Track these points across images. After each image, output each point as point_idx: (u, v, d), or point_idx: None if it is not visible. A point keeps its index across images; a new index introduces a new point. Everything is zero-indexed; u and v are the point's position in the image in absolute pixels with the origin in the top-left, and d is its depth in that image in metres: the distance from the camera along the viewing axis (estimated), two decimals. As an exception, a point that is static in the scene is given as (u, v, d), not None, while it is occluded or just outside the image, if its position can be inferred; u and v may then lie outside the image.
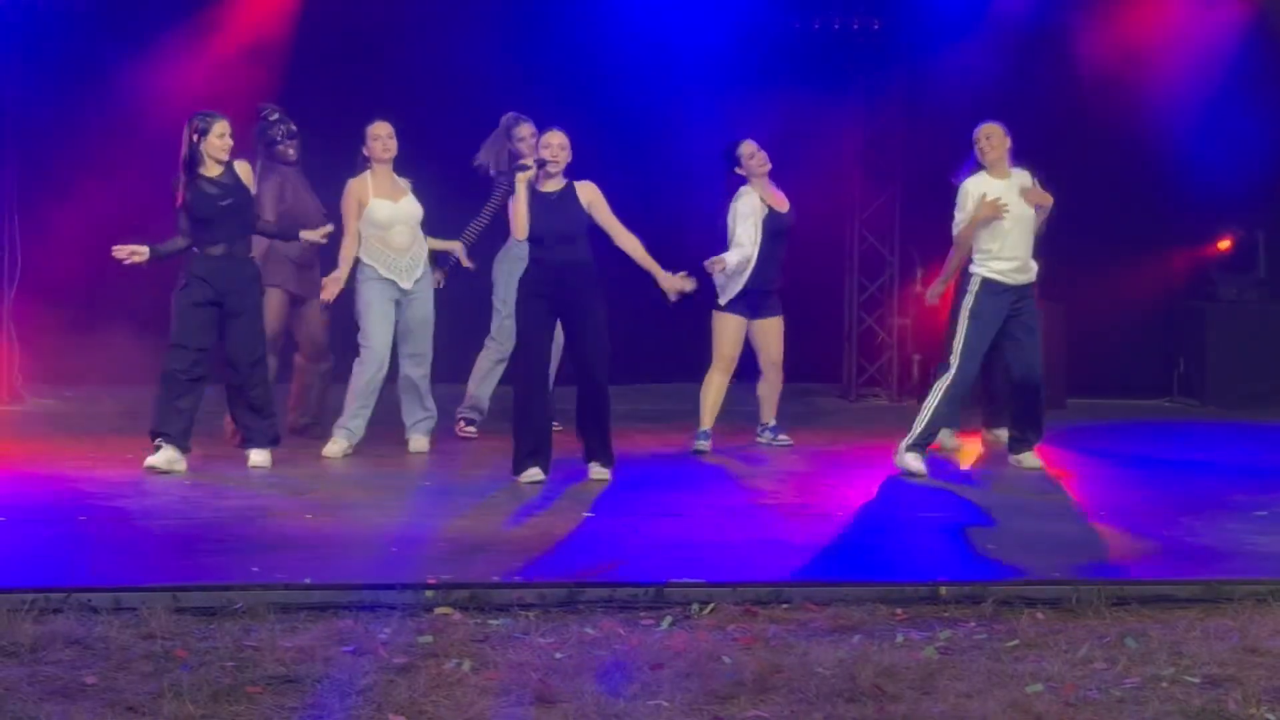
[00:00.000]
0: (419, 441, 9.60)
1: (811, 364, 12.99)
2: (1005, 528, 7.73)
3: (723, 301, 9.93)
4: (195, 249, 8.78)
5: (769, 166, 10.03)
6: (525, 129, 9.92)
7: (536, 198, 8.65)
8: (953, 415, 9.45)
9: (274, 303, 9.80)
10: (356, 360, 9.51)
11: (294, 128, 9.85)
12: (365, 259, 9.43)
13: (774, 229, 10.00)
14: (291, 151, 9.83)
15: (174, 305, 8.81)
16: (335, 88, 11.58)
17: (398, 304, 9.52)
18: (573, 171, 8.82)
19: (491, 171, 10.07)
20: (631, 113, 11.93)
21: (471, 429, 10.17)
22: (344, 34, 11.88)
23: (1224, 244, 13.03)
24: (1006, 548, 7.16)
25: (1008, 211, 9.15)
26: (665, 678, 5.18)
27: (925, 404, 9.19)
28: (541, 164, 8.65)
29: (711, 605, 6.01)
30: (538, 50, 12.14)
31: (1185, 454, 10.14)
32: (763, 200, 9.96)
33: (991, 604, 6.09)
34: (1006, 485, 8.96)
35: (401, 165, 9.69)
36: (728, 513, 7.88)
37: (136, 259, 8.75)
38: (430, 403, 9.66)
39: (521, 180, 8.63)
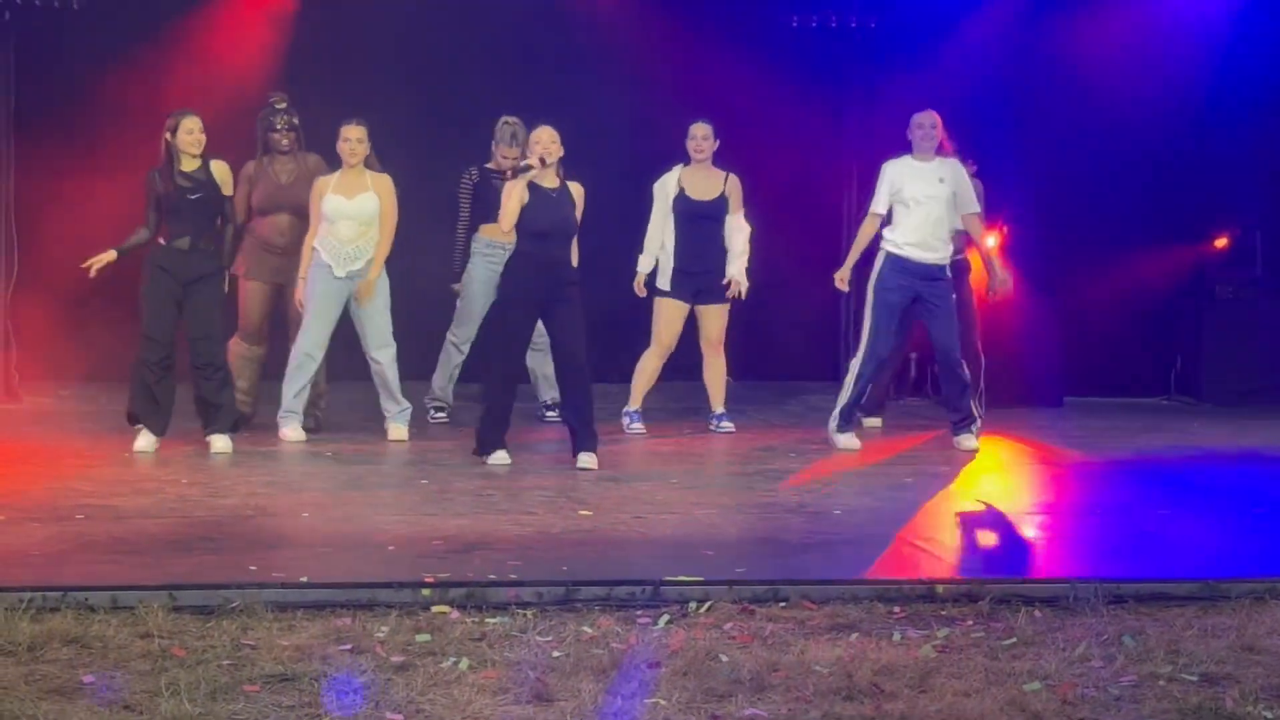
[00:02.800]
0: (397, 430, 9.82)
1: (808, 362, 12.99)
2: (1002, 525, 7.73)
3: (663, 285, 10.18)
4: (160, 240, 9.06)
5: (703, 154, 10.23)
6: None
7: (538, 193, 8.83)
8: (861, 393, 9.69)
9: (256, 295, 9.91)
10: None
11: (295, 120, 9.97)
12: (316, 245, 9.66)
13: (687, 213, 10.18)
14: (285, 142, 9.93)
15: (141, 298, 9.06)
16: (335, 83, 11.59)
17: (348, 298, 9.68)
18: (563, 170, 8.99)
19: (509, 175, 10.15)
20: (623, 109, 11.93)
21: (441, 414, 10.52)
22: (343, 30, 11.90)
23: (1221, 242, 13.02)
24: (1003, 546, 7.16)
25: None
26: (663, 676, 5.18)
27: (844, 382, 9.72)
28: (543, 162, 8.83)
29: (709, 603, 6.00)
30: (527, 48, 12.12)
31: (1182, 452, 10.13)
32: (679, 183, 10.18)
33: (989, 602, 6.09)
34: (1002, 483, 8.95)
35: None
36: (724, 511, 7.87)
37: (105, 262, 9.04)
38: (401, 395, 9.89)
39: (525, 179, 8.83)
